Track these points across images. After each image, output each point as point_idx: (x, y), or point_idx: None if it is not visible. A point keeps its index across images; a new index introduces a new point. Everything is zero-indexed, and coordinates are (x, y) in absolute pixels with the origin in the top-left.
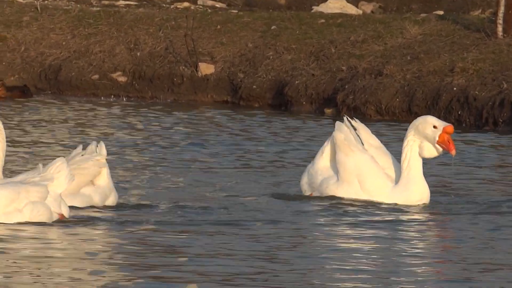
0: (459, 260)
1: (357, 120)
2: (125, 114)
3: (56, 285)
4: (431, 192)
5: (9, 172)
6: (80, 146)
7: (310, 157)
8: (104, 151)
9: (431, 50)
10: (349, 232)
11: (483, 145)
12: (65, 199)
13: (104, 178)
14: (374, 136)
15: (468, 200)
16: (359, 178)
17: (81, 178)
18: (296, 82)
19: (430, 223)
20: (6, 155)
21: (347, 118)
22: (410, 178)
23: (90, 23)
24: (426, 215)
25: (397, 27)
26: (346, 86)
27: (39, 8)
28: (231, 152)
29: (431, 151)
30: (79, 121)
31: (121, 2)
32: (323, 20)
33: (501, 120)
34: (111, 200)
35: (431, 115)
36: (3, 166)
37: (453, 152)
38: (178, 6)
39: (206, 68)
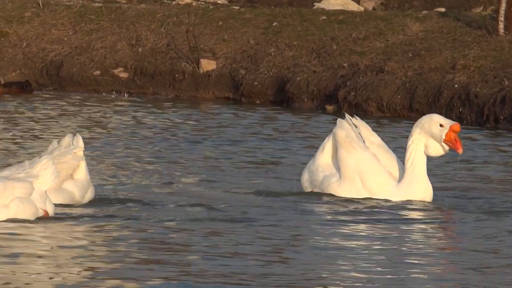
0: (463, 260)
1: (357, 117)
2: (127, 110)
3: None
4: (434, 190)
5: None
6: (55, 141)
7: (311, 154)
8: (81, 144)
9: (432, 47)
10: (350, 230)
11: (484, 143)
12: (49, 196)
13: (83, 172)
14: (374, 133)
15: (472, 198)
16: (361, 176)
17: (62, 172)
18: (298, 78)
19: (433, 221)
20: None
21: (348, 116)
22: (414, 176)
23: (91, 19)
24: (429, 213)
25: (398, 24)
26: (348, 83)
27: (41, 4)
28: (232, 149)
29: (437, 150)
30: (79, 117)
31: None
32: (324, 17)
33: (502, 118)
34: (89, 194)
35: (432, 112)
36: None
37: (460, 150)
38: (179, 2)
39: (207, 65)
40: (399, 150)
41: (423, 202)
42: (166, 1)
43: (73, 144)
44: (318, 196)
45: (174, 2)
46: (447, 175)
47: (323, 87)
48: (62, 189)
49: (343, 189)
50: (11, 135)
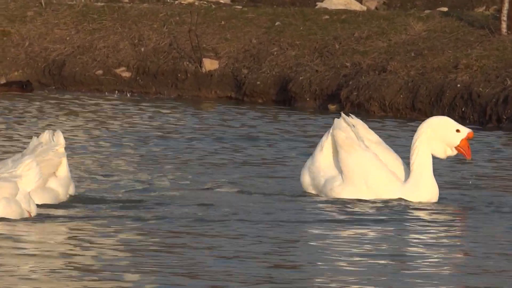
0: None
1: (353, 116)
2: (129, 109)
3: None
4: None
5: None
6: (35, 138)
7: (310, 153)
8: (62, 140)
9: (435, 46)
10: (355, 231)
11: (487, 142)
12: (34, 195)
13: (64, 169)
14: (371, 131)
15: (476, 197)
16: (365, 177)
17: (45, 170)
18: (300, 78)
19: (439, 222)
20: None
21: (344, 115)
22: (420, 176)
23: (94, 19)
24: (435, 214)
25: (401, 23)
26: (350, 83)
27: (43, 3)
28: (233, 148)
29: (442, 153)
30: (80, 116)
31: None
32: (327, 16)
33: (504, 117)
34: (71, 191)
35: (434, 111)
36: None
37: (470, 157)
38: (182, 2)
39: (210, 64)
40: (400, 150)
41: (428, 203)
42: (168, 1)
43: (53, 140)
44: (321, 196)
45: (176, 2)
46: (449, 175)
47: (325, 86)
48: (47, 188)
49: (347, 193)
50: (10, 134)
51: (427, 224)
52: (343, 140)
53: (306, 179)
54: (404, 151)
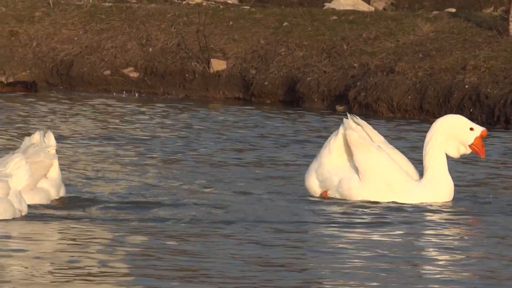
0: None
1: (357, 117)
2: (137, 109)
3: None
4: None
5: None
6: (27, 138)
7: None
8: (53, 141)
9: (443, 47)
10: (369, 233)
11: (495, 143)
12: (25, 196)
13: (56, 170)
14: (376, 131)
15: (487, 198)
16: (383, 176)
17: (37, 172)
18: (308, 78)
19: (452, 223)
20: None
21: (350, 116)
22: (436, 174)
23: (102, 19)
24: (448, 215)
25: (409, 24)
26: (358, 83)
27: (51, 3)
28: (240, 149)
29: (455, 152)
30: (88, 116)
31: None
32: (335, 17)
33: None
34: (61, 192)
35: (442, 112)
36: None
37: (484, 155)
38: (190, 2)
39: (218, 64)
40: (408, 151)
41: (443, 202)
42: (176, 1)
43: (44, 141)
44: (329, 198)
45: (184, 2)
46: (459, 175)
47: (333, 87)
48: (38, 188)
49: (366, 192)
50: (16, 134)
51: (440, 226)
52: (356, 140)
53: (313, 182)
54: (411, 152)
